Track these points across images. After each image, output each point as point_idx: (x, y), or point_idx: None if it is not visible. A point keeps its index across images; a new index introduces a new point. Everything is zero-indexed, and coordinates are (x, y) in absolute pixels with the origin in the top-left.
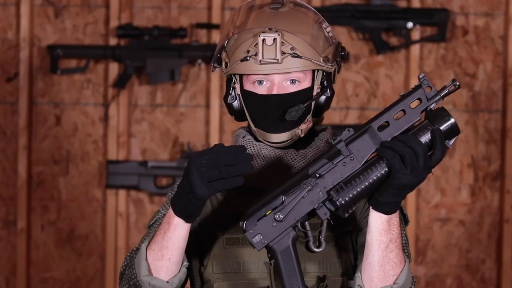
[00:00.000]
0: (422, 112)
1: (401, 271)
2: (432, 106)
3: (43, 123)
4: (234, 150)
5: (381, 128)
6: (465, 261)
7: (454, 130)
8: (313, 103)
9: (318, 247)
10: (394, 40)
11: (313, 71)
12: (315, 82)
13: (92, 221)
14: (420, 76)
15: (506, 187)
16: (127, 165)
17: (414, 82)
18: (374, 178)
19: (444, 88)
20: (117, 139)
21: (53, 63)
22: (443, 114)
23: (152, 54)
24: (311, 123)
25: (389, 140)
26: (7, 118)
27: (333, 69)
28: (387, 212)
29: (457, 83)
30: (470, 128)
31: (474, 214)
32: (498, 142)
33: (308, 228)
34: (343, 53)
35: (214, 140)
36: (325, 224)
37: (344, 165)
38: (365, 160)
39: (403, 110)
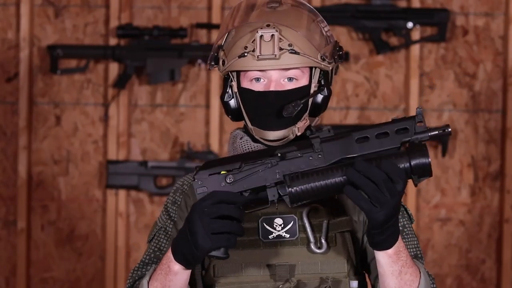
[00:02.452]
0: (404, 142)
1: (419, 283)
2: (415, 141)
3: (43, 123)
4: (233, 197)
5: (360, 140)
6: (465, 261)
7: (426, 170)
8: (310, 100)
9: (320, 248)
10: (394, 40)
11: (311, 69)
12: (313, 80)
13: (92, 221)
14: (417, 110)
15: (506, 187)
16: (127, 165)
17: (414, 82)
18: (331, 181)
19: (434, 129)
20: (117, 139)
21: (53, 63)
22: (421, 151)
23: (152, 54)
24: (308, 121)
25: (357, 163)
26: (7, 118)
27: (330, 68)
28: (387, 248)
29: (449, 130)
30: (470, 128)
31: (474, 214)
32: (498, 142)
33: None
34: (340, 52)
35: (214, 140)
36: (325, 225)
37: (310, 159)
38: (331, 162)
39: (387, 133)
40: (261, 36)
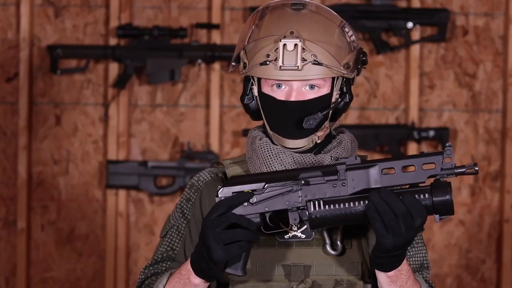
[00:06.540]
0: (429, 177)
1: None
2: (441, 178)
3: (43, 123)
4: (240, 199)
5: (385, 171)
6: (465, 261)
7: (447, 209)
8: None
9: (335, 250)
10: (394, 40)
11: (333, 77)
12: (334, 88)
13: (92, 221)
14: (447, 145)
15: (506, 187)
16: (127, 165)
17: (414, 82)
18: (352, 212)
19: (462, 166)
20: (117, 139)
21: (53, 63)
22: (445, 189)
23: (152, 54)
24: (328, 129)
25: (382, 191)
26: (7, 118)
27: (353, 76)
28: (387, 270)
29: (477, 169)
30: (470, 128)
31: (474, 214)
32: (498, 142)
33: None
34: (364, 58)
35: (214, 140)
36: (341, 227)
37: (334, 186)
38: (354, 191)
39: (414, 166)
40: (284, 45)
